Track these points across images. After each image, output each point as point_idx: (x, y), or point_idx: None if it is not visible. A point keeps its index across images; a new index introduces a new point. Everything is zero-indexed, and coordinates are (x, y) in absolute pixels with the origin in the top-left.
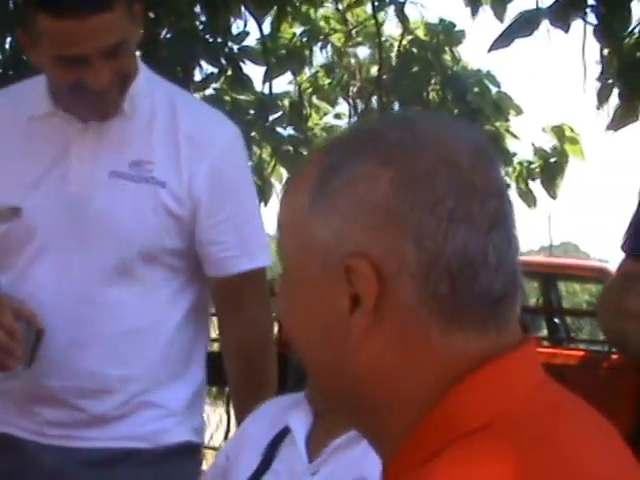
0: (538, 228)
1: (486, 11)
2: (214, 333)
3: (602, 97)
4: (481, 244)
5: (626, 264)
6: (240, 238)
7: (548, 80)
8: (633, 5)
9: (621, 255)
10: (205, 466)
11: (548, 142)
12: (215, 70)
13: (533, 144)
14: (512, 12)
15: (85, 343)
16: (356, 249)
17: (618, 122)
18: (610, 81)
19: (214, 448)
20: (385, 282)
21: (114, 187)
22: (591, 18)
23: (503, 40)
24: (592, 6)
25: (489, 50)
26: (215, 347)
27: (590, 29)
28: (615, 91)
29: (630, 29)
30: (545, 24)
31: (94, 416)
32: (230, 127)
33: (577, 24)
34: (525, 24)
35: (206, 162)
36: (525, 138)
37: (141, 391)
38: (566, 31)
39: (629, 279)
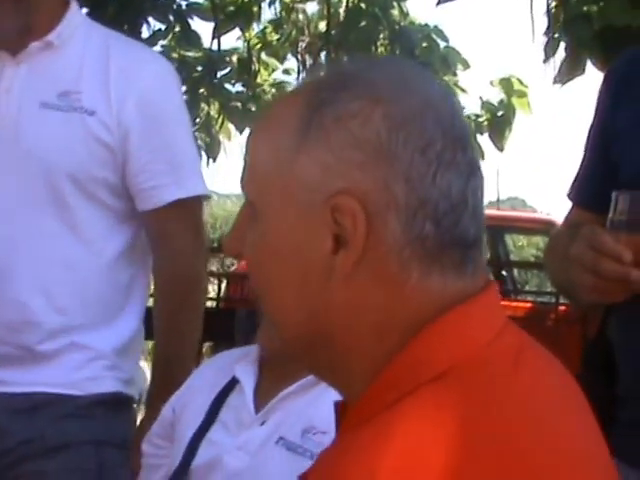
0: (486, 183)
1: None
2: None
3: (549, 50)
4: (463, 189)
5: (572, 213)
6: (171, 167)
7: (496, 34)
8: None
9: (566, 209)
10: None
11: (497, 96)
12: (163, 26)
13: (481, 98)
14: None
15: (11, 272)
16: (345, 187)
17: (565, 75)
18: (557, 35)
19: None
20: (372, 221)
21: (42, 118)
22: None
23: None
24: None
25: (438, 3)
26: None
27: None
28: (562, 44)
29: None
30: None
31: (19, 349)
32: (163, 62)
33: None
34: None
35: (136, 91)
36: (473, 92)
37: (69, 327)
38: None
39: (575, 228)
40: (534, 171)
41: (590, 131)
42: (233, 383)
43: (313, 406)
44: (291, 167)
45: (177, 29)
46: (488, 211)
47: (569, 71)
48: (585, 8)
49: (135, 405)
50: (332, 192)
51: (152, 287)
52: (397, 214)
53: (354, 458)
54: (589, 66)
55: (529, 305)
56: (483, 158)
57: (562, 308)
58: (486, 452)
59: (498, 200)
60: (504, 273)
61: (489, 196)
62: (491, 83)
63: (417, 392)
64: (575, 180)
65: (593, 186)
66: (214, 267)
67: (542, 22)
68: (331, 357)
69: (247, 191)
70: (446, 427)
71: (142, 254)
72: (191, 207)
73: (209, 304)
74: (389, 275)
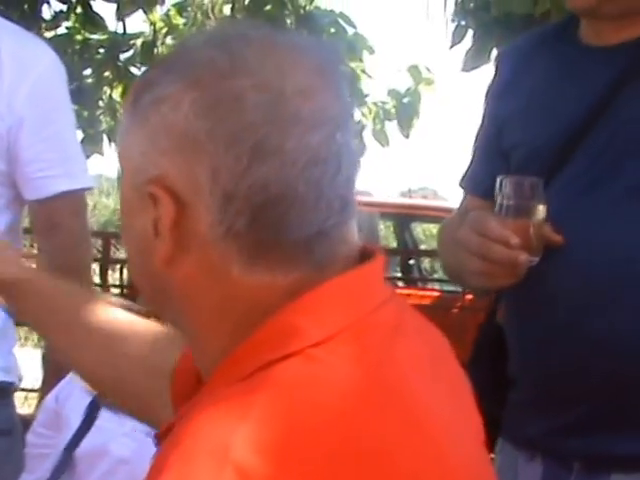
0: (397, 174)
1: None
2: None
3: (455, 38)
4: (292, 180)
5: (465, 201)
6: (62, 158)
7: (404, 22)
8: None
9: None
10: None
11: (406, 83)
12: (64, 7)
13: (388, 86)
14: None
15: None
16: (156, 175)
17: (471, 63)
18: (463, 22)
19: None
20: (185, 211)
21: None
22: None
23: None
24: None
25: None
26: None
27: None
28: (469, 32)
29: None
30: None
31: None
32: (53, 53)
33: None
34: None
35: (29, 80)
36: (381, 80)
37: None
38: None
39: (464, 214)
40: (446, 162)
41: (482, 119)
42: None
43: None
44: (123, 147)
45: (79, 10)
46: (397, 200)
47: (475, 59)
48: None
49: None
50: (147, 179)
51: None
52: (206, 207)
53: (209, 431)
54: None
55: (436, 294)
56: (388, 144)
57: (468, 297)
58: (352, 431)
59: (410, 190)
60: (411, 262)
61: (400, 187)
62: (399, 70)
63: (284, 362)
64: (468, 169)
65: (485, 173)
66: (120, 254)
67: (449, 10)
68: (183, 328)
69: None
70: (306, 402)
71: (17, 238)
72: (80, 198)
73: (115, 291)
74: (211, 266)
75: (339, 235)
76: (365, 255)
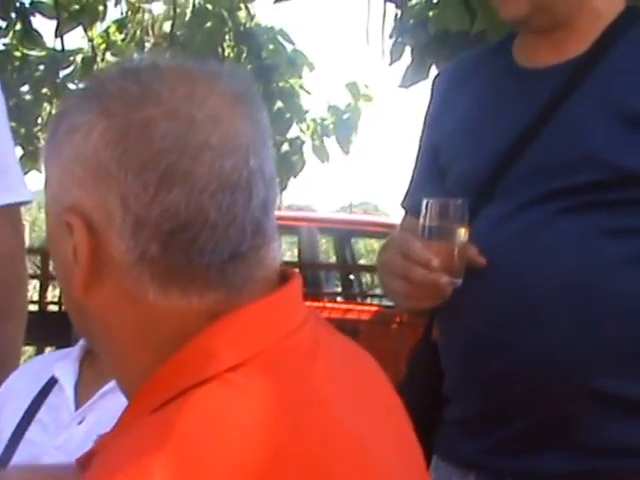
0: (338, 189)
1: None
2: None
3: (394, 54)
4: (202, 205)
5: (405, 221)
6: None
7: (345, 39)
8: None
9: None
10: None
11: (345, 100)
12: (3, 24)
13: (328, 102)
14: None
15: None
16: (71, 203)
17: (409, 79)
18: (400, 39)
19: None
20: (98, 239)
21: None
22: None
23: None
24: None
25: (275, 1)
26: None
27: None
28: (407, 49)
29: None
30: None
31: None
32: None
33: None
34: None
35: None
36: (321, 96)
37: None
38: None
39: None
40: (387, 177)
41: (419, 141)
42: (52, 382)
43: None
44: (45, 176)
45: (18, 27)
46: (338, 215)
47: (413, 75)
48: (431, 13)
49: None
50: (63, 207)
51: None
52: (118, 234)
53: (131, 455)
54: (435, 71)
55: (375, 309)
56: (328, 160)
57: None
58: (272, 454)
59: (351, 205)
60: (352, 277)
61: (341, 202)
62: (337, 86)
63: (201, 388)
64: (407, 190)
65: (422, 195)
66: None
67: (388, 27)
68: (107, 354)
69: None
70: (226, 428)
71: None
72: (17, 212)
73: (53, 308)
74: (127, 292)
75: (256, 259)
76: (284, 278)
